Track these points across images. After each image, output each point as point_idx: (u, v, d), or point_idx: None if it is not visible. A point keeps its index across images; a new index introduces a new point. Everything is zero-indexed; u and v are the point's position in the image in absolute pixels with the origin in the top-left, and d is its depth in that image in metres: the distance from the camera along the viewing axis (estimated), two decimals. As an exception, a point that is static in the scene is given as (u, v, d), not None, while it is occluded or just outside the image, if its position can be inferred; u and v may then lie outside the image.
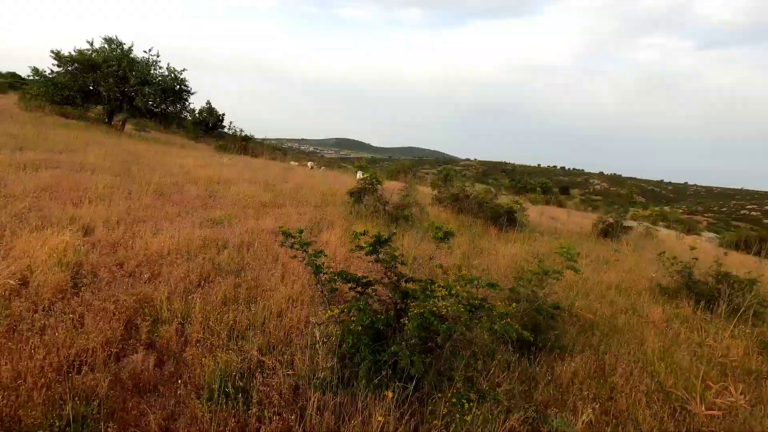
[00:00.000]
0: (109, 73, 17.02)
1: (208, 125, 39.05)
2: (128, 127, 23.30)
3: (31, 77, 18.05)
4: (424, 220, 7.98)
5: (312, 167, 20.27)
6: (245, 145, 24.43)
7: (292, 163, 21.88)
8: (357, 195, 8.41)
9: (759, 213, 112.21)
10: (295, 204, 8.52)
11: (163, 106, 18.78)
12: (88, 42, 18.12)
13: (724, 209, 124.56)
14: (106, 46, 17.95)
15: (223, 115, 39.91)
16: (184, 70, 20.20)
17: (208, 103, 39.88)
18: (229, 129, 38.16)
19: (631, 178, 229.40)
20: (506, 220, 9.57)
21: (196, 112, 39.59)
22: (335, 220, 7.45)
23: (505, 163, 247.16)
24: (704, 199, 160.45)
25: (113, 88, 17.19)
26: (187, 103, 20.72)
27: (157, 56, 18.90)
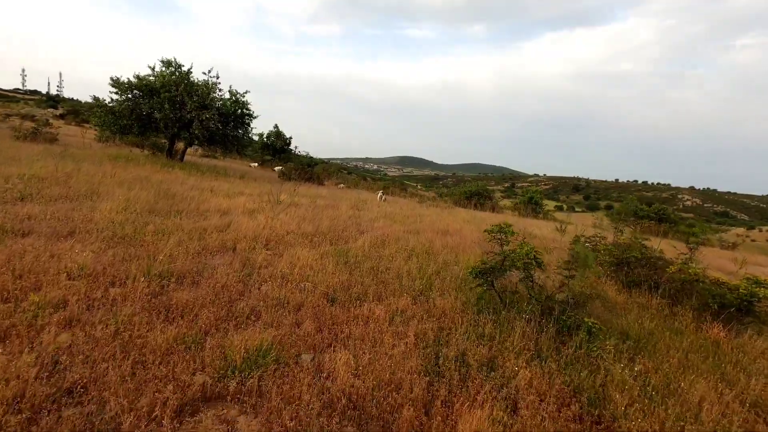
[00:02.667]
0: (166, 99, 15.37)
1: (276, 149, 38.16)
2: (195, 155, 22.24)
3: (96, 106, 17.08)
4: (606, 324, 4.30)
5: (384, 198, 17.15)
6: (310, 171, 22.18)
7: (360, 193, 19.02)
8: (487, 276, 4.89)
9: None
10: (382, 291, 5.18)
11: (223, 132, 16.84)
12: (150, 67, 16.84)
13: None
14: (164, 69, 16.47)
15: (290, 138, 38.84)
16: (246, 92, 18.37)
17: (276, 126, 39.13)
18: (296, 152, 36.78)
19: (729, 193, 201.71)
20: (737, 311, 5.44)
21: (264, 136, 39.10)
22: (457, 339, 3.98)
23: (578, 179, 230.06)
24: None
25: (169, 115, 15.50)
26: (249, 127, 18.80)
27: (217, 78, 17.16)
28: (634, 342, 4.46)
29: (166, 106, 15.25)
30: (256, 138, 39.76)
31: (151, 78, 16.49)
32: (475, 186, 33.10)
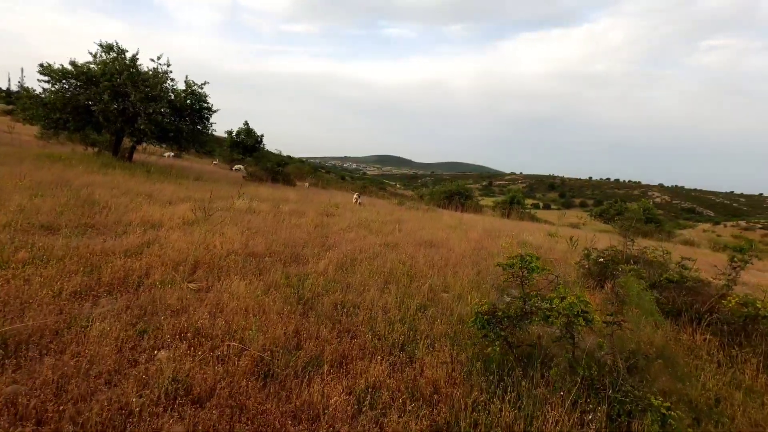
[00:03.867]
0: (106, 88, 13.30)
1: (246, 147, 35.96)
2: (155, 153, 20.02)
3: (24, 97, 14.81)
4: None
5: (359, 201, 15.56)
6: (280, 171, 20.30)
7: (334, 195, 17.44)
8: (499, 326, 3.36)
9: None
10: (346, 347, 3.61)
11: (176, 127, 14.83)
12: (91, 53, 14.69)
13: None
14: (104, 55, 14.36)
15: (262, 136, 36.76)
16: (204, 83, 16.43)
17: (246, 123, 36.95)
18: (262, 149, 34.74)
19: (696, 190, 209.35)
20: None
21: (233, 133, 36.84)
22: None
23: (553, 177, 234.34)
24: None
25: (110, 107, 13.43)
26: (208, 122, 16.84)
27: (168, 66, 15.13)
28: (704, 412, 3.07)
29: (105, 96, 13.18)
30: (225, 135, 37.55)
31: (92, 65, 14.37)
32: (455, 185, 31.90)
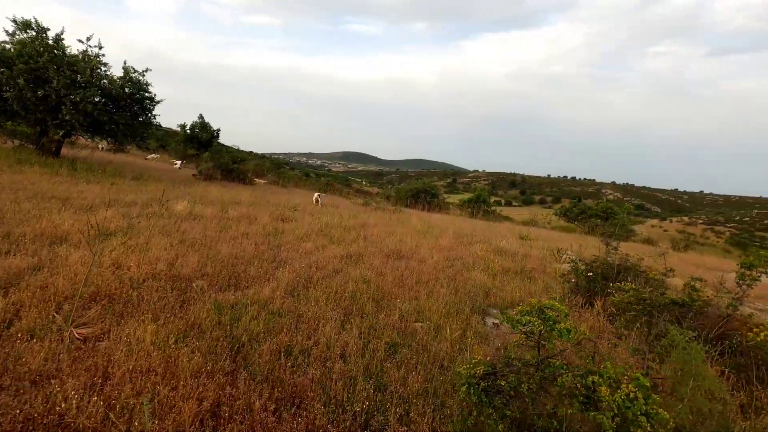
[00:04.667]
0: (21, 72, 11.40)
1: (201, 141, 33.69)
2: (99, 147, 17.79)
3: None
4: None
5: (319, 202, 14.42)
6: (236, 168, 18.67)
7: (294, 195, 16.23)
8: (504, 401, 2.43)
9: None
10: None
11: (110, 118, 13.02)
12: (7, 32, 12.64)
13: (746, 219, 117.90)
14: (21, 33, 12.38)
15: (218, 130, 34.60)
16: (146, 70, 14.67)
17: (201, 116, 34.63)
18: (216, 144, 32.69)
19: (644, 188, 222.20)
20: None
21: (187, 127, 34.47)
22: None
23: (515, 174, 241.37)
24: (722, 208, 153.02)
25: (27, 94, 11.53)
26: (150, 114, 15.07)
27: (100, 48, 13.28)
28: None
29: (21, 81, 11.27)
30: (178, 129, 35.00)
31: (7, 45, 12.35)
32: (421, 184, 31.28)
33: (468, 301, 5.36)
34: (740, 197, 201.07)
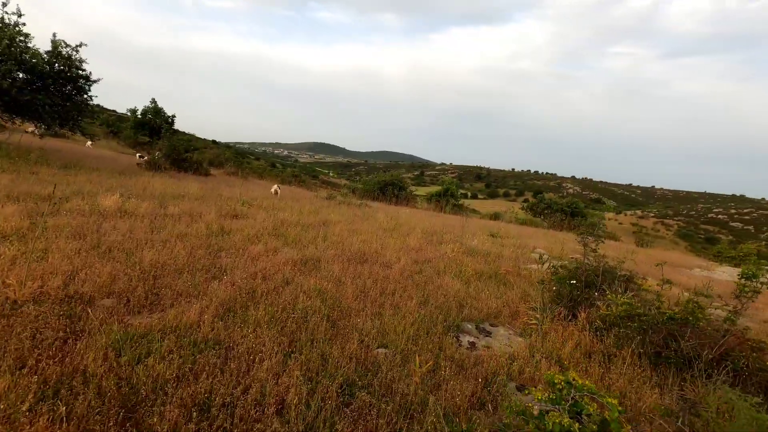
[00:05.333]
0: None
1: (154, 128, 31.37)
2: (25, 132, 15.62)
3: None
4: None
5: (278, 194, 13.36)
6: (188, 157, 17.11)
7: (251, 187, 15.08)
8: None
9: (726, 216, 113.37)
10: None
11: (32, 98, 11.34)
12: None
13: (693, 213, 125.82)
14: None
15: (173, 116, 32.37)
16: (80, 45, 12.98)
17: (153, 101, 32.20)
18: (165, 132, 30.58)
19: (601, 182, 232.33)
20: None
21: (138, 112, 32.02)
22: None
23: (480, 168, 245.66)
24: (671, 202, 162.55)
25: None
26: (86, 94, 13.40)
27: (19, 17, 11.53)
28: None
29: None
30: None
31: None
32: (389, 176, 30.55)
33: (440, 316, 4.64)
34: (687, 192, 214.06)
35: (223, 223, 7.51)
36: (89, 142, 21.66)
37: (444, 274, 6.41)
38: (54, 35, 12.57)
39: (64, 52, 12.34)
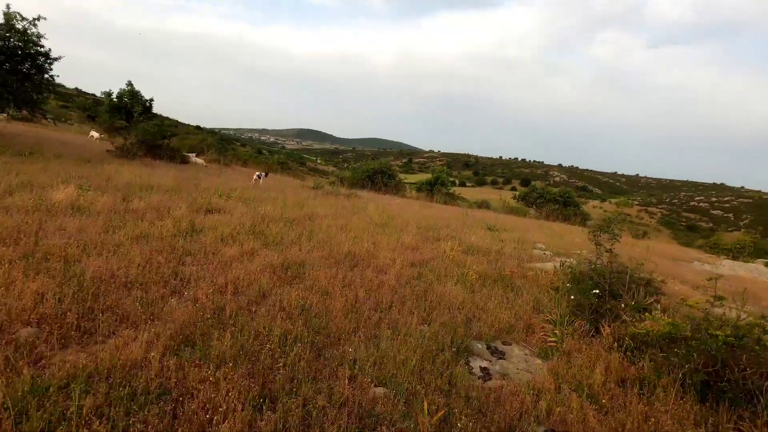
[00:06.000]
0: None
1: (130, 113, 29.76)
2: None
3: None
4: None
5: (260, 182, 12.43)
6: (163, 144, 15.90)
7: (230, 177, 14.14)
8: None
9: (707, 204, 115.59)
10: None
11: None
12: None
13: (675, 201, 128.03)
14: None
15: (151, 100, 30.79)
16: (38, 18, 11.72)
17: (130, 83, 30.51)
18: (137, 116, 29.12)
19: (587, 170, 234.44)
20: None
21: (113, 95, 30.36)
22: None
23: (468, 155, 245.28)
24: (655, 191, 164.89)
25: None
26: (47, 75, 12.17)
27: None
28: None
29: None
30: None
31: None
32: (378, 163, 29.63)
33: (446, 336, 3.91)
34: (670, 180, 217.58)
35: (194, 219, 6.63)
36: (95, 134, 19.81)
37: (445, 280, 5.68)
38: (8, 7, 11.28)
39: (18, 26, 11.08)
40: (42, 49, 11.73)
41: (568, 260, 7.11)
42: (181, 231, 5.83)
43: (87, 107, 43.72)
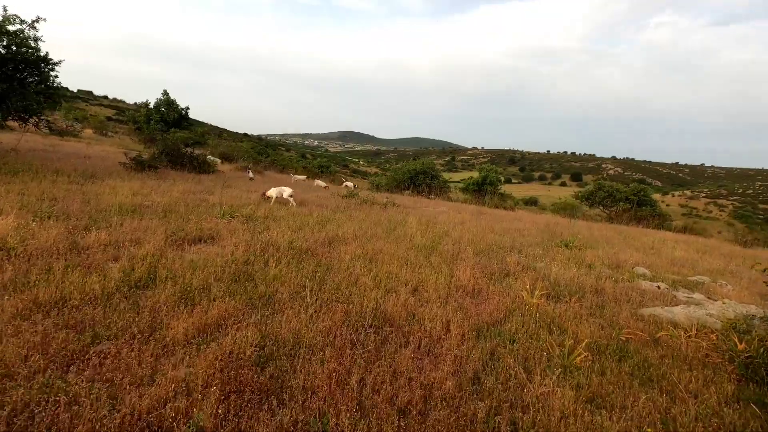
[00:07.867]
0: None
1: (168, 122, 29.45)
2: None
3: None
4: None
5: (281, 198, 10.50)
6: (187, 153, 14.50)
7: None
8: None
9: None
10: None
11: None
12: None
13: (750, 191, 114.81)
14: None
15: (187, 108, 30.39)
16: (37, 20, 10.58)
17: (165, 93, 30.31)
18: (149, 121, 28.47)
19: (645, 162, 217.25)
20: None
21: (151, 105, 30.31)
22: None
23: (514, 151, 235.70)
24: (724, 181, 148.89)
25: None
26: (51, 80, 11.05)
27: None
28: None
29: None
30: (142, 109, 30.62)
31: None
32: (419, 163, 27.25)
33: None
34: (742, 169, 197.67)
35: (166, 255, 4.73)
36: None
37: (537, 369, 3.32)
38: (5, 9, 10.19)
39: (12, 29, 9.93)
40: (39, 53, 10.56)
41: (707, 302, 4.51)
42: (130, 282, 3.92)
43: (136, 119, 44.92)
